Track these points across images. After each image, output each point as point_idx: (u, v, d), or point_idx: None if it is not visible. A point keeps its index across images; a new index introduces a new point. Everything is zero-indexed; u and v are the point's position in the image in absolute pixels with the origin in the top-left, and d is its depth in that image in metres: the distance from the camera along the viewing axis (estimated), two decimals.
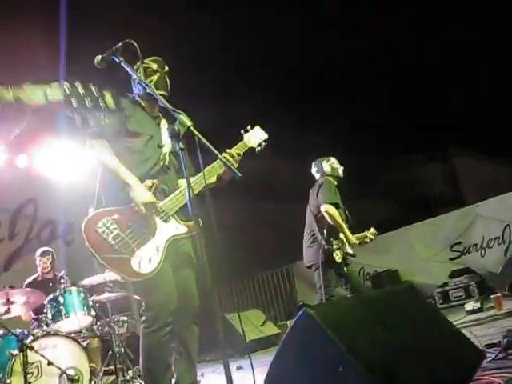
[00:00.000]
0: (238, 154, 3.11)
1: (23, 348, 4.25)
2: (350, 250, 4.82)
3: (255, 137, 3.29)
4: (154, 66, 3.03)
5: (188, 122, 2.29)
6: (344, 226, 4.83)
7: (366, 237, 5.07)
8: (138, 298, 5.30)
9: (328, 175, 5.14)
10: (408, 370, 1.65)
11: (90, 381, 4.62)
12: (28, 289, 5.03)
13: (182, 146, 2.31)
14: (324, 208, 4.83)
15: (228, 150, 3.10)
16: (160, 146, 3.01)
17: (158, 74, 3.02)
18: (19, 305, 4.66)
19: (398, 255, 8.00)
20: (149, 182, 2.84)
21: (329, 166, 5.19)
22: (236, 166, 3.03)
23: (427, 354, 1.75)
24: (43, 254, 5.80)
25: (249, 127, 3.32)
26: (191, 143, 2.32)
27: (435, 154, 19.78)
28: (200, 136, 2.28)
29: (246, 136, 3.27)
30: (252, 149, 3.30)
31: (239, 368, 5.20)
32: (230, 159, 3.01)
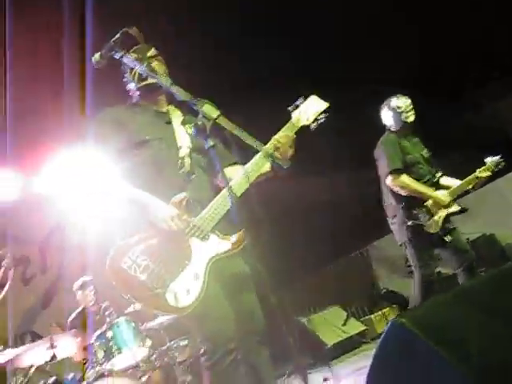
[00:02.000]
0: (287, 137, 2.82)
1: None
2: (453, 209, 4.53)
3: (308, 111, 2.93)
4: (136, 56, 2.87)
5: (214, 113, 2.20)
6: (422, 189, 4.53)
7: (476, 178, 4.65)
8: None
9: (389, 129, 4.84)
10: None
11: None
12: (73, 329, 5.12)
13: (212, 143, 2.21)
14: (387, 182, 4.61)
15: (275, 136, 2.83)
16: (176, 148, 2.90)
17: (143, 62, 2.89)
18: (67, 348, 4.75)
19: (490, 215, 7.66)
20: (176, 199, 2.73)
21: (388, 115, 4.84)
22: (288, 154, 2.81)
23: None
24: (83, 287, 5.84)
25: (299, 101, 2.97)
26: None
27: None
28: (232, 126, 2.18)
29: (295, 113, 2.93)
30: (306, 127, 2.95)
31: (326, 380, 5.13)
32: (278, 147, 2.77)
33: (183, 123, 3.00)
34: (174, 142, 2.91)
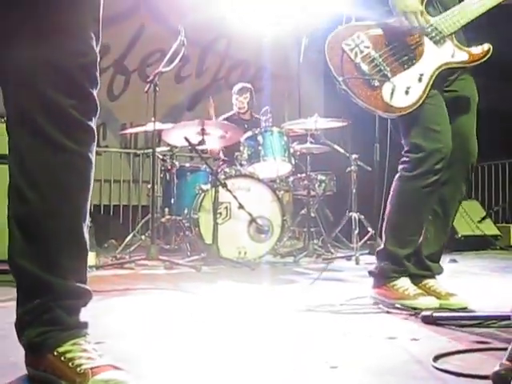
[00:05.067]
0: None
1: (216, 184, 4.36)
2: None
3: None
4: None
5: None
6: None
7: None
8: (345, 153, 5.17)
9: None
10: None
11: (280, 236, 4.68)
12: (226, 122, 5.09)
13: None
14: None
15: None
16: None
17: None
18: (214, 138, 4.73)
19: None
20: None
21: None
22: None
23: None
24: (240, 92, 5.81)
25: None
26: None
27: None
28: None
29: None
30: None
31: (453, 261, 4.89)
32: None
33: None
34: None
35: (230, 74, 8.93)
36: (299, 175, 5.32)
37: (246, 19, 8.07)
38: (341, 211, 5.51)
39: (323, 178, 5.47)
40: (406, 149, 2.48)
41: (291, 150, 4.85)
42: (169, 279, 3.61)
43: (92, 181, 1.41)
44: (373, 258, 2.77)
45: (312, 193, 5.25)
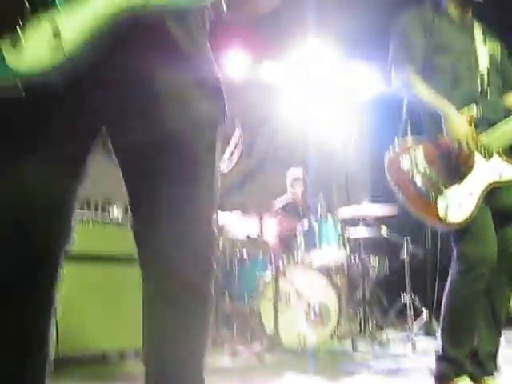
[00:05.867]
0: None
1: (277, 276, 4.62)
2: None
3: None
4: None
5: None
6: None
7: None
8: (397, 240, 5.37)
9: None
10: None
11: (338, 321, 4.86)
12: (281, 214, 5.39)
13: None
14: None
15: None
16: (475, 64, 2.81)
17: None
18: (270, 228, 5.02)
19: None
20: (470, 110, 2.68)
21: None
22: None
23: None
24: (295, 183, 6.11)
25: None
26: None
27: None
28: None
29: None
30: None
31: None
32: None
33: (484, 41, 2.90)
34: (473, 58, 2.82)
35: (277, 153, 9.28)
36: (353, 259, 5.52)
37: (290, 105, 8.45)
38: (394, 293, 5.66)
39: (376, 260, 5.66)
40: (455, 255, 2.70)
41: (346, 237, 5.08)
42: (234, 373, 3.81)
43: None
44: (428, 340, 2.94)
45: (365, 276, 5.47)
